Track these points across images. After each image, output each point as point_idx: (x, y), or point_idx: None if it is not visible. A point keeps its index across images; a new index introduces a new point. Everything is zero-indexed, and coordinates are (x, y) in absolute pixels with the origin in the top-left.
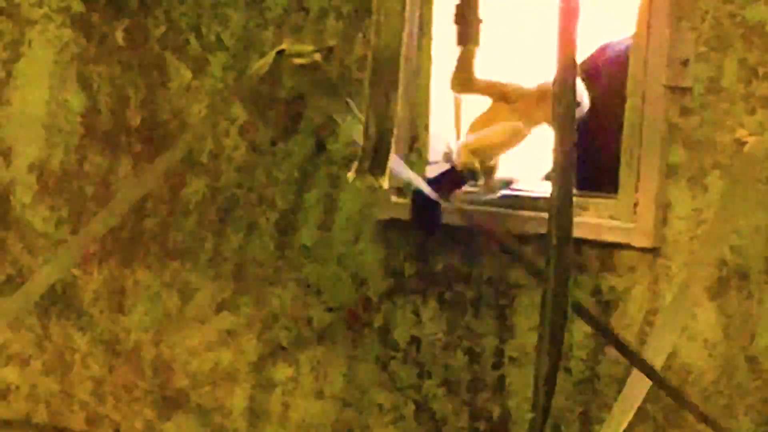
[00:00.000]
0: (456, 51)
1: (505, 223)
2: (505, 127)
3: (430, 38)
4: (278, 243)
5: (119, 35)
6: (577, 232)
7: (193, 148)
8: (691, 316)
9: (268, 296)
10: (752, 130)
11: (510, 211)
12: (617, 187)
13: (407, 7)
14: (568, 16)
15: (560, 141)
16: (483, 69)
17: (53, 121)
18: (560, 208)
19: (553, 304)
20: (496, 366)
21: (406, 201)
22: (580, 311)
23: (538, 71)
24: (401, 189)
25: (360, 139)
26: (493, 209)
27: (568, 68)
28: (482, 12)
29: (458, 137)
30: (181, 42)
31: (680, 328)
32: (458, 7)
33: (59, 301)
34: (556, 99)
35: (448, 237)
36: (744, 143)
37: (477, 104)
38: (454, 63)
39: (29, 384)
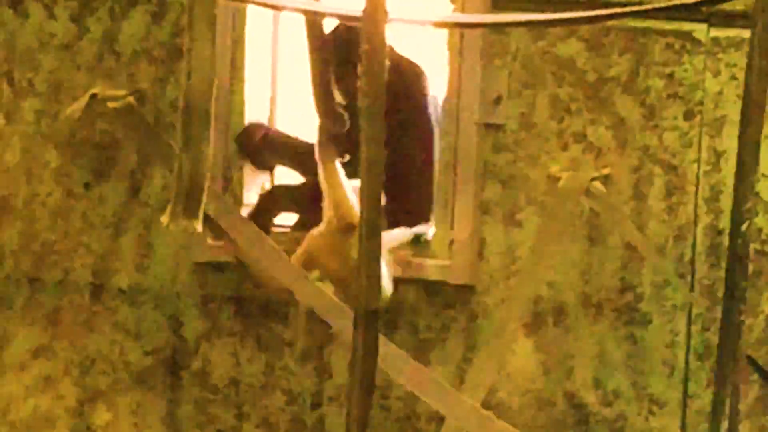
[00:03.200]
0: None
1: None
2: None
3: (242, 80)
4: (94, 287)
5: None
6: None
7: (7, 194)
8: (508, 353)
9: (85, 341)
10: (565, 166)
11: None
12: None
13: (218, 51)
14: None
15: (367, 179)
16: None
17: None
18: (367, 248)
19: (364, 344)
20: (315, 406)
21: (221, 243)
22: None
23: None
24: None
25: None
26: None
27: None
28: None
29: (272, 178)
30: None
31: (498, 365)
32: None
33: None
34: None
35: None
36: (557, 179)
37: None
38: None
39: None
